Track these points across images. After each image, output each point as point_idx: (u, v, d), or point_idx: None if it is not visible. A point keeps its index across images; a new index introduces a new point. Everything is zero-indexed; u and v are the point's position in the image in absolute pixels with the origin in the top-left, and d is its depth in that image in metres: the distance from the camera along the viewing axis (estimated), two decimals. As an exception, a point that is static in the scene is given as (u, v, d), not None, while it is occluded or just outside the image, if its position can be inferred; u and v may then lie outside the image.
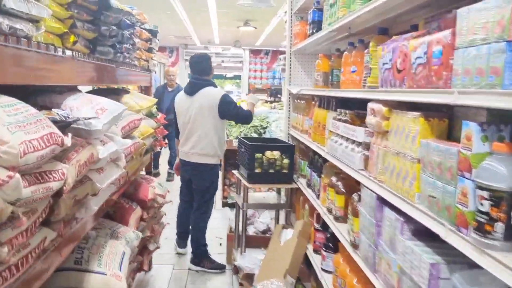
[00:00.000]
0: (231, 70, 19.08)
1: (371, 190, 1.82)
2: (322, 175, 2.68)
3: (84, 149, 1.56)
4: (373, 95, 1.85)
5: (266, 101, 12.08)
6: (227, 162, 6.29)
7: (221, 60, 15.34)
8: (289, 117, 3.87)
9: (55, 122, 1.44)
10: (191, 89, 3.75)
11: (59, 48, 1.64)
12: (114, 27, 2.14)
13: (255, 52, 15.81)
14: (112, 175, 1.85)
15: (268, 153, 3.40)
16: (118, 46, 2.32)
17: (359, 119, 2.15)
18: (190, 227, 4.00)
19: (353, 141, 2.15)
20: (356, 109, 2.29)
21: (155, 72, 11.58)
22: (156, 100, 3.11)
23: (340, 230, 2.28)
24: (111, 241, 2.14)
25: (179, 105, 3.82)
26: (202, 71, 3.80)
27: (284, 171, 3.43)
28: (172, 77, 7.13)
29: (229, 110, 3.69)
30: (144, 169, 3.65)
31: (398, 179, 1.57)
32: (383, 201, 1.72)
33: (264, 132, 5.89)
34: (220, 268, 3.88)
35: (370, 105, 1.86)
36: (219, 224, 5.24)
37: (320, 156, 2.88)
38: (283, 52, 17.69)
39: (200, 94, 3.69)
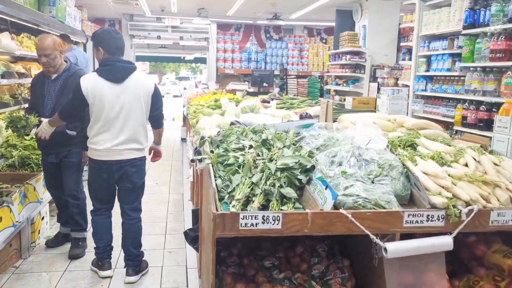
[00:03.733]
0: (191, 50, 15.17)
1: None
2: None
3: None
4: None
5: (248, 93, 8.44)
6: (219, 255, 2.61)
7: (179, 37, 11.47)
8: None
9: None
10: (119, 75, 3.15)
11: None
12: None
13: (223, 27, 12.10)
14: None
15: None
16: None
17: None
18: (122, 234, 3.44)
19: None
20: None
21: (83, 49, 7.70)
22: None
23: None
24: None
25: (103, 94, 3.12)
26: (121, 51, 3.23)
27: None
28: (46, 58, 3.59)
29: (158, 103, 3.35)
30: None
31: None
32: None
33: (308, 182, 2.31)
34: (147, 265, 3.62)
35: None
36: None
37: None
38: (258, 27, 13.19)
39: (131, 80, 3.19)
